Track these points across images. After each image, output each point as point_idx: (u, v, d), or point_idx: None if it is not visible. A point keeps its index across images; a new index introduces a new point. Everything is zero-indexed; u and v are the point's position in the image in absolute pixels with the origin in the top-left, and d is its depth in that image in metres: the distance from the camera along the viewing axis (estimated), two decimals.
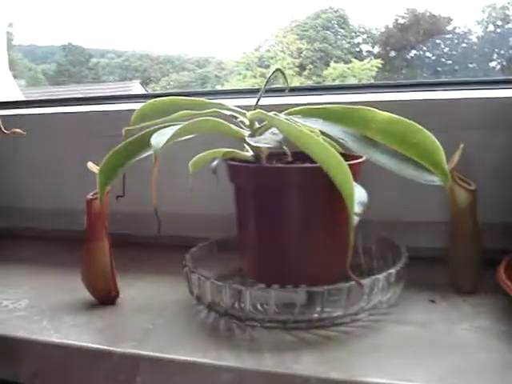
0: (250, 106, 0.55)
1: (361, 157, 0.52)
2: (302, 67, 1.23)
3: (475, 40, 1.14)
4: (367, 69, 1.18)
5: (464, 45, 1.15)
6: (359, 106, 0.50)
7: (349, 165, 0.44)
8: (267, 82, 0.55)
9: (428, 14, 1.19)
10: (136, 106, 0.60)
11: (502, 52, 1.09)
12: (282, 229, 0.53)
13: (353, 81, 1.15)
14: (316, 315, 0.49)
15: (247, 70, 1.31)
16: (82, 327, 0.54)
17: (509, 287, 0.47)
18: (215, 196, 0.63)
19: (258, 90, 0.56)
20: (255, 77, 1.28)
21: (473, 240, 0.54)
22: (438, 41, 1.15)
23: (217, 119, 0.51)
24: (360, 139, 0.50)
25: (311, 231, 0.53)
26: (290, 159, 0.55)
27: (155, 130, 0.53)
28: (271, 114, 0.50)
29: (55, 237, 0.82)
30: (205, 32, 1.21)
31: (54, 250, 0.79)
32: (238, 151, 0.55)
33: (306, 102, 0.57)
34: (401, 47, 1.17)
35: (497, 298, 0.53)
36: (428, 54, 1.15)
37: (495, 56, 1.11)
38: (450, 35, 1.15)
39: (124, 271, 0.61)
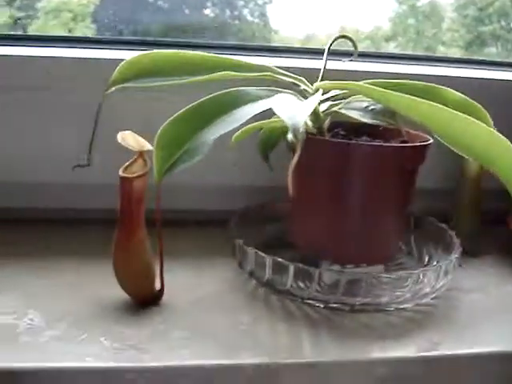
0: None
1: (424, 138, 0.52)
2: None
3: None
4: (84, 5, 1.11)
5: None
6: (433, 84, 0.50)
7: None
8: (330, 46, 0.50)
9: None
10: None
11: (216, 0, 1.13)
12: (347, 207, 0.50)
13: (68, 16, 1.08)
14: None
15: None
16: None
17: None
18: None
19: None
20: None
21: (478, 206, 0.60)
22: None
23: None
24: None
25: (374, 213, 0.51)
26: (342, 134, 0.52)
27: (228, 94, 0.46)
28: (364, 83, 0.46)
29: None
30: None
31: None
32: None
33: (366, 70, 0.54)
34: None
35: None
36: None
37: (209, 4, 1.14)
38: None
39: None
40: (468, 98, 0.50)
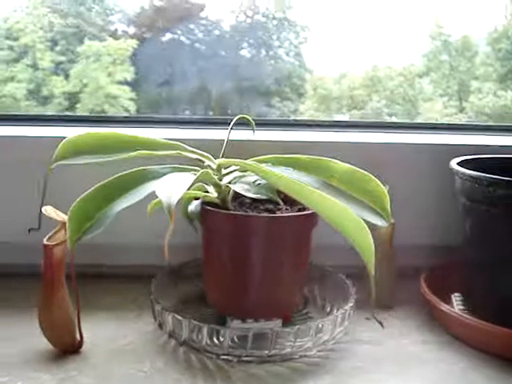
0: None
1: None
2: (54, 42, 1.19)
3: (227, 28, 1.21)
4: (123, 49, 1.18)
5: (217, 32, 1.21)
6: (323, 158, 0.56)
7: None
8: (231, 127, 0.58)
9: None
10: None
11: (252, 41, 1.19)
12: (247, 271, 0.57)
13: (108, 59, 1.15)
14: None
15: None
16: None
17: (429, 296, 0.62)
18: None
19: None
20: (3, 49, 1.20)
21: (390, 261, 0.65)
22: (192, 26, 1.19)
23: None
24: (328, 187, 0.56)
25: (273, 273, 0.57)
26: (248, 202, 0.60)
27: (133, 173, 0.54)
28: (250, 162, 0.54)
29: None
30: None
31: None
32: (204, 193, 0.57)
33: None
34: (156, 29, 1.18)
35: (414, 309, 0.66)
36: (183, 38, 1.19)
37: (245, 45, 1.20)
38: (204, 21, 1.20)
39: None
40: (356, 168, 0.55)
